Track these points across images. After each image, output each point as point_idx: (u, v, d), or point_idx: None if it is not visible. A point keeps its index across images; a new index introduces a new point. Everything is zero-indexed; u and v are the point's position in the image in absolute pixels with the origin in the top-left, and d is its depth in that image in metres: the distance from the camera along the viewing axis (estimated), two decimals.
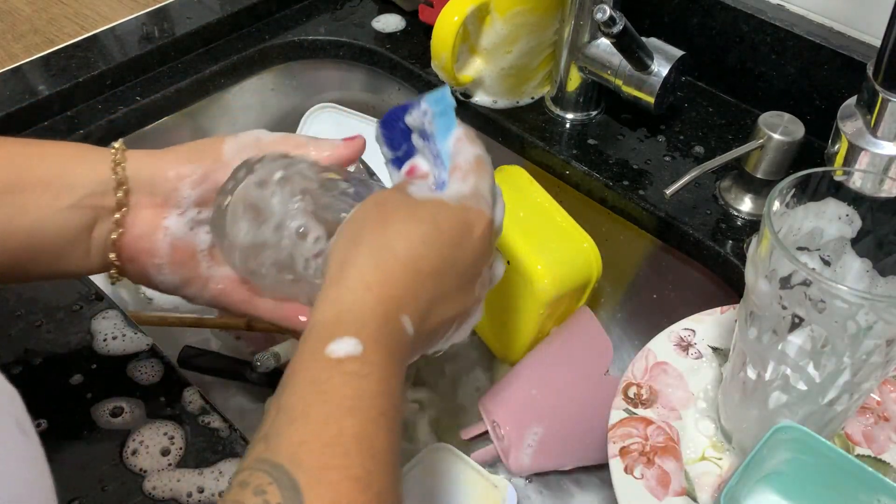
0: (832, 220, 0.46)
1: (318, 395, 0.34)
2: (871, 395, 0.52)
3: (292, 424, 0.33)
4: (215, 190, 0.47)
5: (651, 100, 0.67)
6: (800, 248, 0.47)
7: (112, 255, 0.46)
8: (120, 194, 0.45)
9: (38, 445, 0.28)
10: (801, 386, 0.44)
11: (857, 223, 0.46)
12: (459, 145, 0.45)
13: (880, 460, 0.50)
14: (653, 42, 0.67)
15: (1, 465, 0.25)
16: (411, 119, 0.47)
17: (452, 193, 0.43)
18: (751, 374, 0.46)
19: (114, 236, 0.46)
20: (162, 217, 0.47)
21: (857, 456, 0.49)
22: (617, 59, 0.67)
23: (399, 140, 0.49)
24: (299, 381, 0.35)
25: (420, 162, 0.48)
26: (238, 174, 0.46)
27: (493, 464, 0.64)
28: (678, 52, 0.66)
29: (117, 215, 0.45)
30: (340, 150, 0.49)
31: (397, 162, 0.50)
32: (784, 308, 0.42)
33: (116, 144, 0.47)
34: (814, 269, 0.46)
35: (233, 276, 0.48)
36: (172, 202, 0.47)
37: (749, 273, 0.44)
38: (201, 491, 0.46)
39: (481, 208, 0.43)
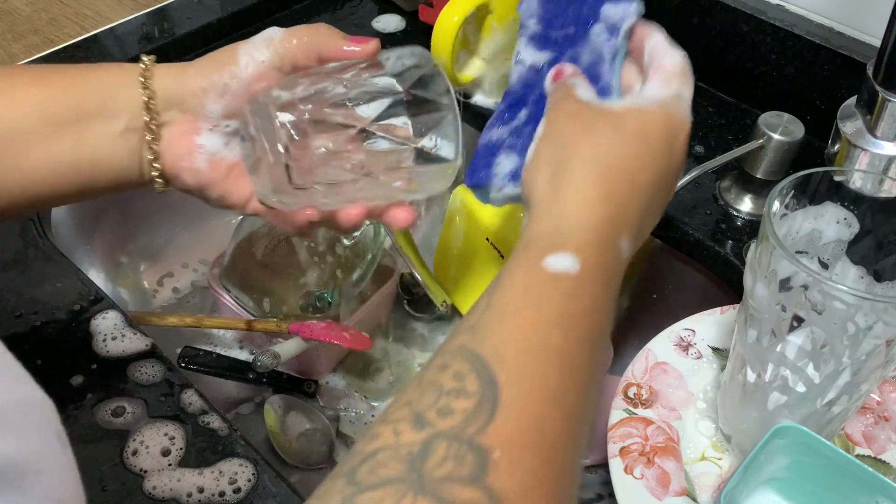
0: (830, 222, 0.46)
1: (531, 302, 0.34)
2: (871, 395, 0.52)
3: (502, 321, 0.33)
4: (237, 101, 0.46)
5: None
6: (798, 252, 0.47)
7: (155, 174, 0.47)
8: (149, 115, 0.46)
9: (72, 457, 0.29)
10: (801, 387, 0.44)
11: (856, 227, 0.46)
12: (662, 47, 0.43)
13: (880, 460, 0.50)
14: None
15: (45, 477, 0.26)
16: (611, 10, 0.44)
17: (655, 96, 0.41)
18: (750, 375, 0.46)
19: (150, 157, 0.46)
20: (195, 134, 0.47)
21: (857, 456, 0.49)
22: None
23: (568, 23, 0.45)
24: (514, 283, 0.35)
25: (566, 65, 0.44)
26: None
27: None
28: None
29: (149, 136, 0.46)
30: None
31: (536, 41, 0.46)
32: (783, 310, 0.42)
33: (146, 59, 0.46)
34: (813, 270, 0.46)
35: None
36: (202, 117, 0.47)
37: (748, 278, 0.44)
38: (201, 491, 0.46)
39: (684, 113, 0.41)
